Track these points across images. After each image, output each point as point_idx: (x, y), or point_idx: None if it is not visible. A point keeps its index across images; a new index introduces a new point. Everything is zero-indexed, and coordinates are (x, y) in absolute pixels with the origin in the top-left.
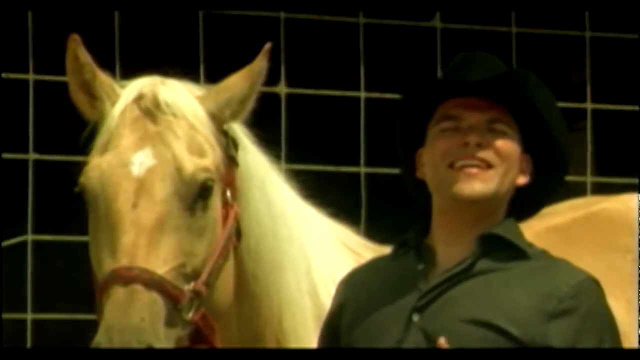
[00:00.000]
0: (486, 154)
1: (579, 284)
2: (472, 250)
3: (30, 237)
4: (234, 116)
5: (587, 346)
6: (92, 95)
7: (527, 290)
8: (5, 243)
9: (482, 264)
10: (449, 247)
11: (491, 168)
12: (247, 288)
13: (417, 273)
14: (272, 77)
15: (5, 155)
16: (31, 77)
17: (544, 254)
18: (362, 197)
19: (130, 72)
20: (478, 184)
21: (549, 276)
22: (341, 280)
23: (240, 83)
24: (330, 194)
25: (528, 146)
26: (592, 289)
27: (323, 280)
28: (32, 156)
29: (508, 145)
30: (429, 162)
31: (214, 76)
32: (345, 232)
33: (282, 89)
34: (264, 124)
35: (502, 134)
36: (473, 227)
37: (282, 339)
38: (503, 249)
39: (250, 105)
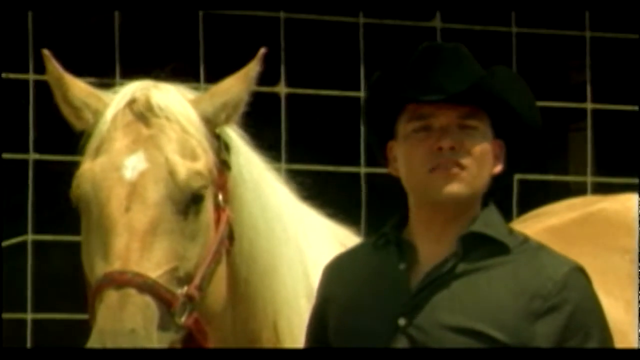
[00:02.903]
0: (460, 157)
1: (563, 277)
2: (453, 249)
3: (30, 237)
4: (228, 120)
5: (571, 344)
6: (72, 106)
7: (512, 290)
8: (5, 243)
9: (465, 264)
10: (430, 244)
11: (465, 170)
12: (240, 292)
13: (399, 273)
14: (272, 77)
15: (5, 155)
16: (31, 77)
17: (525, 244)
18: (362, 197)
19: (130, 72)
20: (456, 186)
21: (533, 272)
22: (326, 266)
23: (235, 87)
24: (329, 194)
25: (499, 132)
26: (577, 280)
27: None
28: (32, 156)
29: (480, 142)
30: (404, 165)
31: (214, 76)
32: (344, 232)
33: (282, 89)
34: (264, 124)
35: (474, 130)
36: (452, 223)
37: (277, 342)
38: (484, 245)
39: (242, 109)
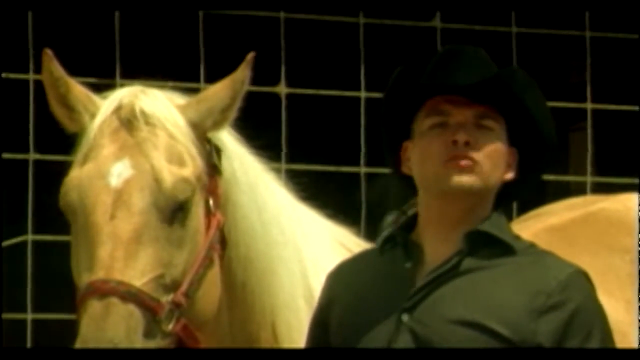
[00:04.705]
0: (474, 153)
1: (567, 278)
2: (459, 248)
3: (30, 237)
4: (215, 125)
5: (573, 342)
6: (69, 108)
7: (516, 288)
8: (5, 243)
9: (469, 261)
10: (437, 244)
11: (478, 166)
12: (237, 295)
13: (405, 271)
14: (272, 77)
15: (5, 155)
16: (31, 77)
17: (531, 248)
18: (362, 197)
19: (130, 72)
20: (466, 177)
21: (537, 272)
22: (329, 273)
23: (221, 92)
24: (329, 194)
25: (514, 140)
26: (580, 282)
27: (320, 283)
28: (32, 156)
29: (495, 143)
30: (418, 159)
31: (214, 76)
32: (343, 233)
33: (282, 89)
34: (264, 124)
35: (489, 131)
36: (460, 224)
37: (275, 344)
38: (489, 245)
39: (233, 114)
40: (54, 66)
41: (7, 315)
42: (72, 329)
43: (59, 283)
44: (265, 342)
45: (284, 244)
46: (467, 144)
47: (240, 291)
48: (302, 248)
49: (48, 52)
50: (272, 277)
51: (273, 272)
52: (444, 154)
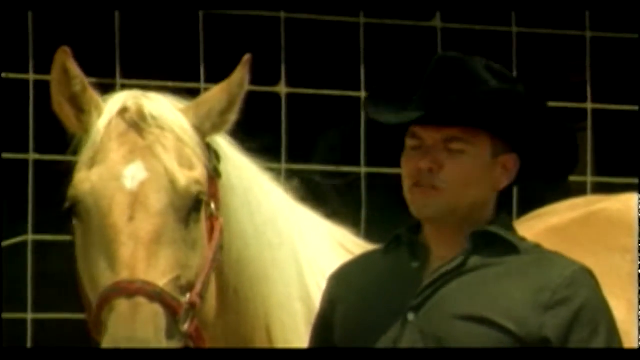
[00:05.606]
0: (437, 179)
1: (572, 274)
2: (464, 248)
3: (30, 237)
4: (215, 129)
5: (579, 338)
6: (79, 108)
7: (521, 284)
8: (5, 243)
9: (475, 260)
10: (442, 246)
11: (440, 191)
12: (229, 301)
13: (411, 271)
14: (272, 77)
15: (5, 155)
16: (31, 77)
17: (536, 248)
18: (362, 197)
19: (130, 72)
20: (431, 206)
21: (542, 269)
22: (331, 275)
23: (218, 95)
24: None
25: (515, 145)
26: (586, 279)
27: (317, 284)
28: (32, 156)
29: (462, 167)
30: (403, 178)
31: (214, 76)
32: (343, 233)
33: (282, 89)
34: (264, 124)
35: (459, 154)
36: (460, 228)
37: (270, 346)
38: (495, 244)
39: (232, 116)
40: (70, 64)
41: (7, 315)
42: (72, 329)
43: (59, 283)
44: (260, 344)
45: (279, 246)
46: (430, 170)
47: (233, 297)
48: (299, 249)
49: (66, 50)
50: (265, 282)
51: (266, 276)
52: (413, 178)
